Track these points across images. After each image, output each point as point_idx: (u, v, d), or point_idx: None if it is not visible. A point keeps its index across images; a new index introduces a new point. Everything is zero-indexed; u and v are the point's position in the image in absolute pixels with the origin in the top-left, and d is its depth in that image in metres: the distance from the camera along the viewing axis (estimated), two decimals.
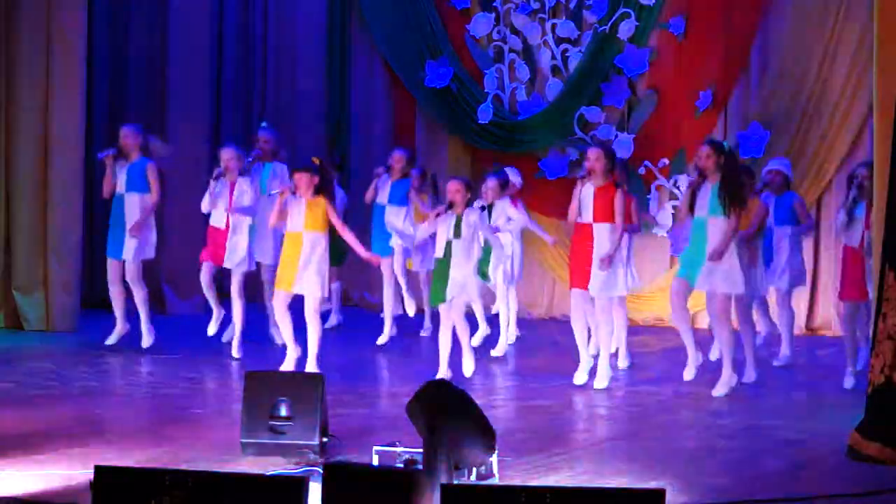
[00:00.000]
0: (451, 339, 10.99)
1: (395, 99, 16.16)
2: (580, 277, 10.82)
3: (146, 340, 12.28)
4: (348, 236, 11.04)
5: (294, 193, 10.97)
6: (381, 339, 12.90)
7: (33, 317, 13.38)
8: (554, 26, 15.37)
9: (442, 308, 10.96)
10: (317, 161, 11.16)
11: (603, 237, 10.72)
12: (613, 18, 14.98)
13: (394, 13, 15.88)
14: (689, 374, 10.93)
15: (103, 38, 14.92)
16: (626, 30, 14.94)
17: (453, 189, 10.88)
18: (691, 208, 10.63)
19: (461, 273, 10.82)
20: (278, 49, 16.32)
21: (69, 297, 13.40)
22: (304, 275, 10.85)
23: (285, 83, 16.30)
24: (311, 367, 10.86)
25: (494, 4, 15.59)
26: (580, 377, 10.94)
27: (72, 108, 13.33)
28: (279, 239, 12.20)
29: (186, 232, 14.18)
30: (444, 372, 10.89)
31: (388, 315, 13.00)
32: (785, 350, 12.19)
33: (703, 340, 11.90)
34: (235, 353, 11.99)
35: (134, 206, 12.09)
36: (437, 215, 10.88)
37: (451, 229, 10.86)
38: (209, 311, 12.60)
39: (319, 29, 16.24)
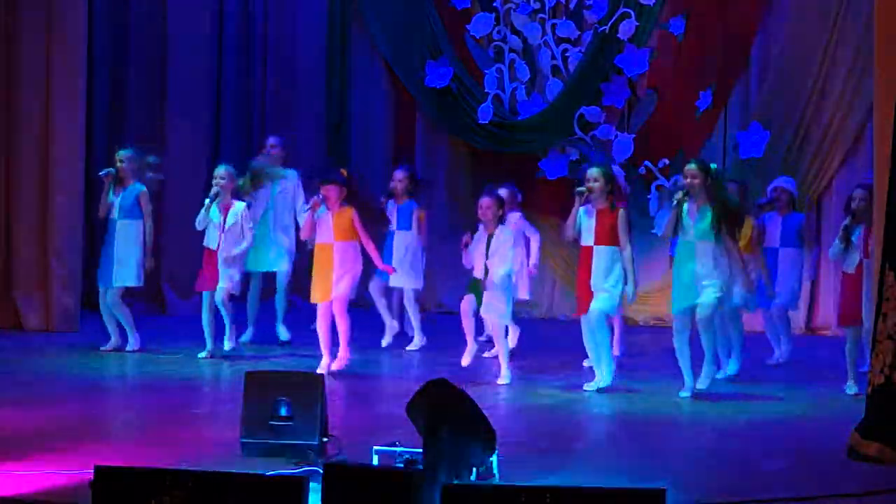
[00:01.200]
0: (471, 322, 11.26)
1: (395, 99, 16.15)
2: (586, 304, 10.81)
3: (132, 344, 12.26)
4: (370, 246, 11.35)
5: (323, 205, 11.21)
6: (385, 341, 12.86)
7: (33, 317, 13.38)
8: (554, 26, 15.37)
9: (467, 298, 11.17)
10: (344, 173, 11.40)
11: (603, 259, 10.72)
12: (613, 18, 14.98)
13: (394, 13, 15.87)
14: (684, 393, 10.81)
15: (103, 39, 14.90)
16: (626, 30, 14.94)
17: (485, 206, 11.01)
18: (675, 228, 10.55)
19: (496, 295, 10.96)
20: (278, 50, 16.32)
21: (69, 297, 13.40)
22: (340, 282, 11.23)
23: (285, 84, 16.29)
24: (343, 352, 11.35)
25: (494, 4, 15.59)
26: (592, 386, 10.94)
27: (72, 108, 13.33)
28: (293, 246, 12.38)
29: (186, 232, 14.16)
30: (471, 351, 11.29)
31: (387, 321, 12.94)
32: (782, 353, 12.20)
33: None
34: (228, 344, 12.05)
35: (127, 233, 12.10)
36: (466, 245, 11.04)
37: (485, 250, 10.99)
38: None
39: (319, 29, 16.24)
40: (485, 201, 11.04)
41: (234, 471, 7.32)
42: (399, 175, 12.86)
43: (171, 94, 14.97)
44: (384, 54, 16.01)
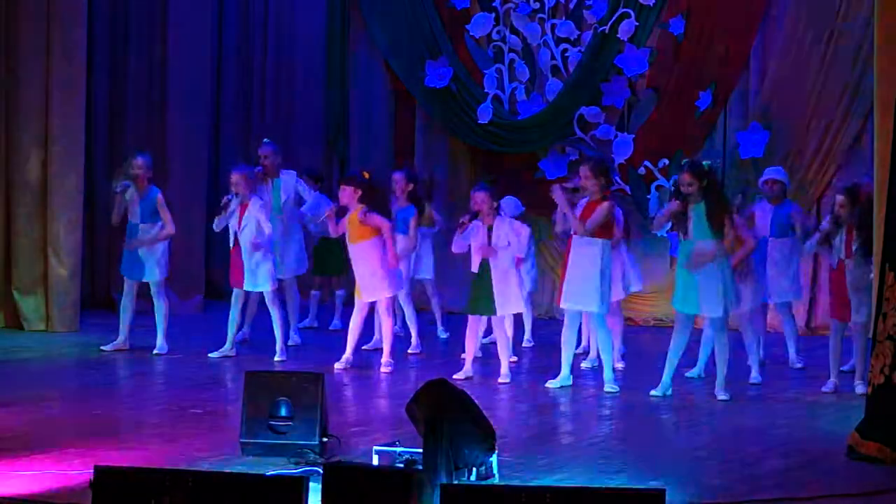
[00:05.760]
0: (476, 343, 11.36)
1: (395, 99, 16.16)
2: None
3: (159, 348, 12.21)
4: (390, 246, 11.42)
5: (340, 208, 11.42)
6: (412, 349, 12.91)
7: (33, 317, 13.38)
8: (554, 26, 15.36)
9: (473, 317, 11.20)
10: (367, 175, 11.39)
11: (581, 251, 10.77)
12: (613, 18, 14.97)
13: (394, 13, 15.87)
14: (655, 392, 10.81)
15: (103, 39, 14.90)
16: (626, 30, 14.93)
17: (479, 199, 11.03)
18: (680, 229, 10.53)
19: (506, 286, 11.02)
20: (278, 51, 16.32)
21: (69, 297, 13.40)
22: (365, 283, 11.34)
23: (285, 85, 16.29)
24: (387, 358, 11.50)
25: (494, 4, 15.59)
26: (553, 383, 10.98)
27: (72, 110, 13.33)
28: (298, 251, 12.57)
29: (186, 233, 14.18)
30: (467, 371, 11.20)
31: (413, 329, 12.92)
32: (794, 356, 12.12)
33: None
34: (279, 356, 11.96)
35: (148, 235, 12.07)
36: (462, 224, 11.02)
37: (484, 243, 11.00)
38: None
39: (320, 31, 16.24)
40: (478, 195, 11.06)
41: (234, 471, 7.34)
42: (396, 177, 12.69)
43: (171, 95, 14.97)
44: (384, 54, 16.01)
